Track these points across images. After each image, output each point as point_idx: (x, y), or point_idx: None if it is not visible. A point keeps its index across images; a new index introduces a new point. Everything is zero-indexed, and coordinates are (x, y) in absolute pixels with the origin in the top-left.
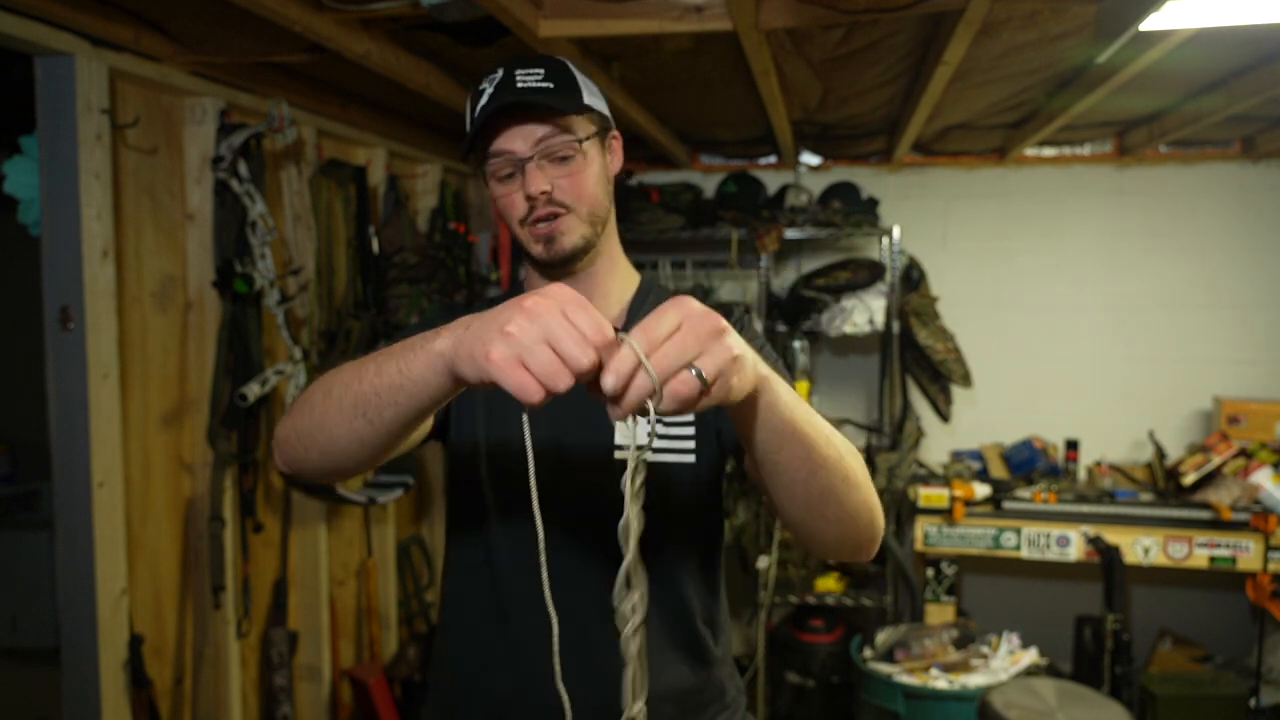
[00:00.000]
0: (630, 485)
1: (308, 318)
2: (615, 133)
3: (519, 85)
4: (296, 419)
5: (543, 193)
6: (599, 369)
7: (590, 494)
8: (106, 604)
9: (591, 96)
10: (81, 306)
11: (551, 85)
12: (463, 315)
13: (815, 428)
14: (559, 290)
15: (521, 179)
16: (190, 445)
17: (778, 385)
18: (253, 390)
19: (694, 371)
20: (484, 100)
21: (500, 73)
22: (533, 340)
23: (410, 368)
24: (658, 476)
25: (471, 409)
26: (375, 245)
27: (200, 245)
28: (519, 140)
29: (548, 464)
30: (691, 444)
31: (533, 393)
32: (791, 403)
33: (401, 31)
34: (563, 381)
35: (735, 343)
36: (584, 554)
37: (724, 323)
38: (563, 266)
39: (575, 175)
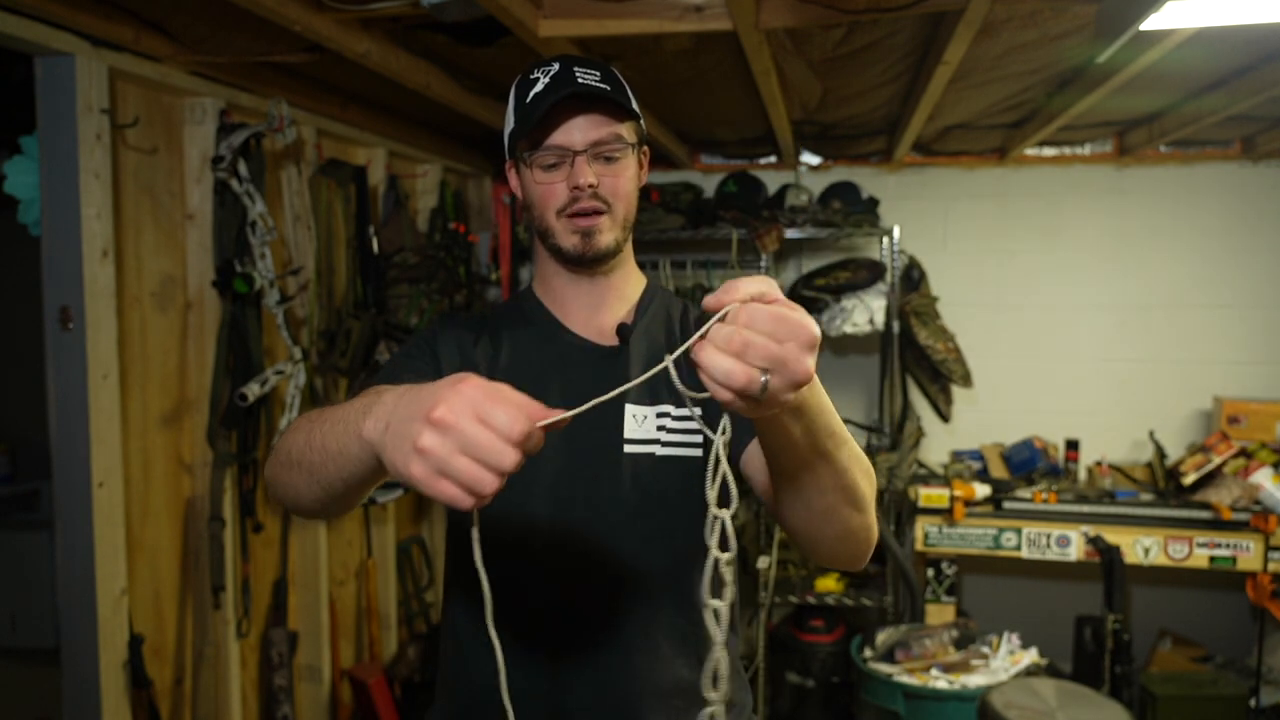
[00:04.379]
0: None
1: (308, 318)
2: (646, 148)
3: (580, 80)
4: (272, 468)
5: (590, 185)
6: (523, 456)
7: (601, 490)
8: (106, 604)
9: (637, 108)
10: (81, 306)
11: (608, 88)
12: (459, 323)
13: (842, 451)
14: (467, 387)
15: (568, 170)
16: (190, 445)
17: (822, 396)
18: (253, 390)
19: (763, 380)
20: (539, 88)
21: (557, 66)
22: (448, 453)
23: (347, 445)
24: (666, 471)
25: None
26: (375, 245)
27: (200, 245)
28: (576, 133)
29: (558, 462)
30: (700, 437)
31: (461, 501)
32: (828, 417)
33: (401, 31)
34: (488, 486)
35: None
36: (592, 551)
37: (818, 334)
38: (591, 265)
39: (619, 176)
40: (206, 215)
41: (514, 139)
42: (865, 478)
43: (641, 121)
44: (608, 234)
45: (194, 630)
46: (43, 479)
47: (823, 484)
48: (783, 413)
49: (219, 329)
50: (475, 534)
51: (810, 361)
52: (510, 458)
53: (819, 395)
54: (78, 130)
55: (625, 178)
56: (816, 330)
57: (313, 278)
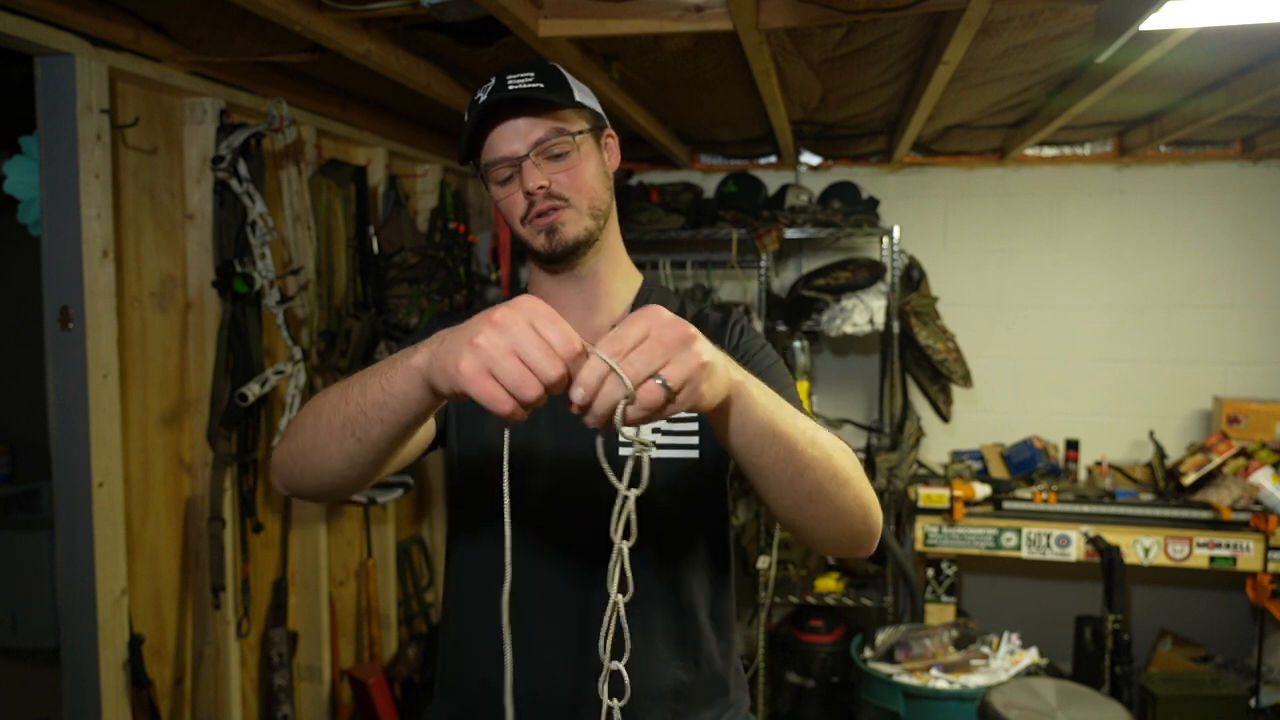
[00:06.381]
0: (619, 510)
1: (307, 318)
2: (610, 131)
3: (510, 87)
4: (290, 442)
5: (540, 188)
6: (569, 380)
7: (593, 492)
8: (106, 604)
9: (583, 95)
10: (81, 306)
11: (542, 85)
12: (459, 319)
13: (797, 429)
14: (527, 301)
15: (520, 178)
16: (190, 445)
17: (754, 389)
18: (252, 390)
19: (659, 381)
20: (479, 107)
21: (493, 80)
22: (500, 352)
23: (392, 384)
24: (662, 472)
25: (471, 416)
26: (375, 245)
27: (200, 245)
28: (515, 141)
29: (552, 464)
30: (695, 439)
31: (501, 403)
32: (770, 406)
33: (401, 31)
34: (531, 391)
35: (704, 349)
36: (586, 550)
37: (692, 330)
38: (566, 260)
39: (572, 169)
40: (206, 215)
41: (471, 159)
42: (840, 452)
43: (593, 105)
44: (573, 225)
45: (194, 630)
46: (43, 479)
47: (797, 462)
48: (732, 400)
49: (219, 329)
50: (506, 436)
51: (697, 348)
52: (557, 369)
53: (749, 384)
54: (78, 130)
55: (579, 170)
56: (686, 325)
57: (313, 278)
